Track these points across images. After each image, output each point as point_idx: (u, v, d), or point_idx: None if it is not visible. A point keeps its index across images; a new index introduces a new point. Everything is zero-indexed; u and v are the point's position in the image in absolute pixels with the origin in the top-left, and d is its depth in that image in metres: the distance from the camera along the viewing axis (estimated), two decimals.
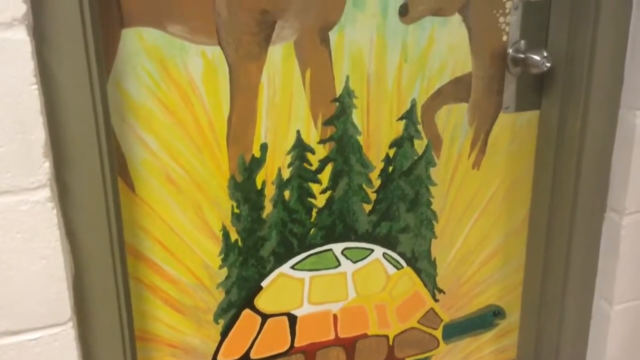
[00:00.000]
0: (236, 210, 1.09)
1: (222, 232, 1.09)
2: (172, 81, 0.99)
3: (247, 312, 1.15)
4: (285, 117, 1.07)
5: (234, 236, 1.10)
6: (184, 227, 1.06)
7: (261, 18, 1.01)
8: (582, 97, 1.13)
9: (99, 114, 0.86)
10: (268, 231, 1.12)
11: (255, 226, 1.11)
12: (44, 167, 0.80)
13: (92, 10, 0.82)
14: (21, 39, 0.75)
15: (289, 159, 1.10)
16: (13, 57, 0.75)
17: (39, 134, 0.79)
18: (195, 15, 0.97)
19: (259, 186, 1.09)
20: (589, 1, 1.09)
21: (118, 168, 0.98)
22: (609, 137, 1.16)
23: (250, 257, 1.12)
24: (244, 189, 1.08)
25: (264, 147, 1.07)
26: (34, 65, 0.77)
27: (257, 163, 1.08)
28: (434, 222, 1.23)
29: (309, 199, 1.13)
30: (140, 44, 0.95)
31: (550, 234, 1.24)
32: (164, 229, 1.05)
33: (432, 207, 1.22)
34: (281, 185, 1.11)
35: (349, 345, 1.24)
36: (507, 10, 1.15)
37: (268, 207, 1.11)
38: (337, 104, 1.10)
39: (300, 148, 1.10)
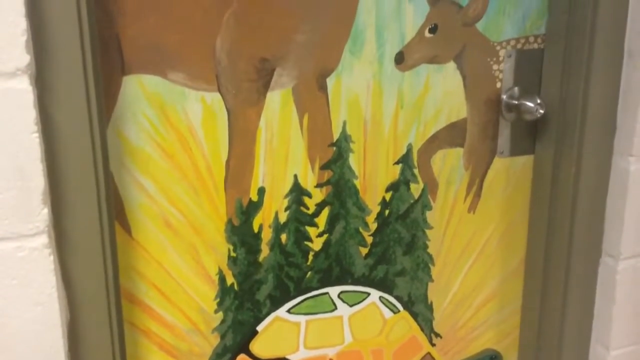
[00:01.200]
0: (233, 254, 1.09)
1: (218, 276, 1.09)
2: (172, 126, 1.00)
3: (242, 357, 1.14)
4: (283, 161, 1.09)
5: (230, 280, 1.10)
6: (180, 270, 1.06)
7: (260, 66, 1.03)
8: (575, 143, 1.15)
9: (99, 160, 0.87)
10: (264, 274, 1.12)
11: (251, 269, 1.11)
12: (42, 214, 0.81)
13: (94, 59, 0.83)
14: (24, 88, 0.76)
15: (286, 202, 1.10)
16: (15, 106, 0.76)
17: (38, 181, 0.80)
18: (196, 62, 0.99)
19: (255, 229, 1.09)
20: (581, 50, 1.12)
21: (115, 212, 0.98)
22: (603, 183, 1.17)
23: (246, 301, 1.12)
24: (241, 232, 1.09)
25: (261, 191, 1.08)
26: (35, 114, 0.78)
27: (254, 207, 1.08)
28: (430, 265, 1.23)
29: (306, 243, 1.14)
30: (141, 90, 0.97)
31: (547, 278, 1.24)
32: (159, 273, 1.05)
33: (429, 250, 1.22)
34: (278, 228, 1.11)
35: None
36: (501, 58, 1.17)
37: (265, 251, 1.11)
38: (334, 148, 1.11)
39: (297, 192, 1.11)
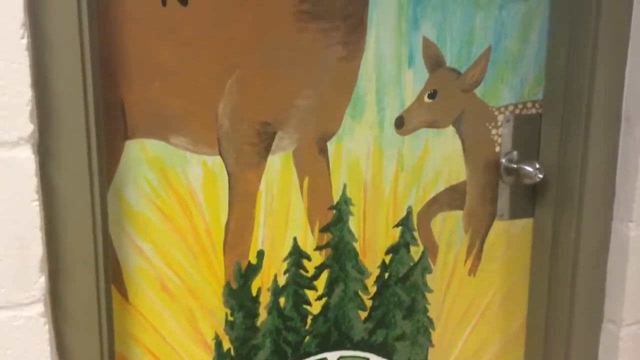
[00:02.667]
0: (230, 318, 1.07)
1: (214, 341, 1.07)
2: (172, 190, 1.00)
3: None
4: (283, 224, 1.08)
5: (226, 345, 1.08)
6: (175, 335, 1.04)
7: (262, 129, 1.04)
8: (575, 208, 1.15)
9: (98, 226, 0.86)
10: (262, 339, 1.10)
11: (249, 334, 1.09)
12: (39, 282, 0.80)
13: (97, 126, 0.84)
14: (26, 157, 0.76)
15: (285, 265, 1.09)
16: (17, 175, 0.76)
17: (36, 249, 0.79)
18: (198, 127, 1.00)
19: (254, 293, 1.08)
20: (579, 116, 1.13)
21: (112, 276, 0.97)
22: (603, 248, 1.17)
23: None
24: (239, 296, 1.07)
25: (260, 254, 1.07)
26: (36, 182, 0.78)
27: (253, 270, 1.07)
28: (430, 329, 1.21)
29: (304, 306, 1.12)
30: (143, 154, 0.97)
31: (548, 343, 1.23)
32: (155, 338, 1.03)
33: (429, 314, 1.21)
34: (277, 292, 1.10)
35: None
36: (499, 123, 1.19)
37: (263, 315, 1.09)
38: (334, 211, 1.11)
39: (297, 255, 1.10)
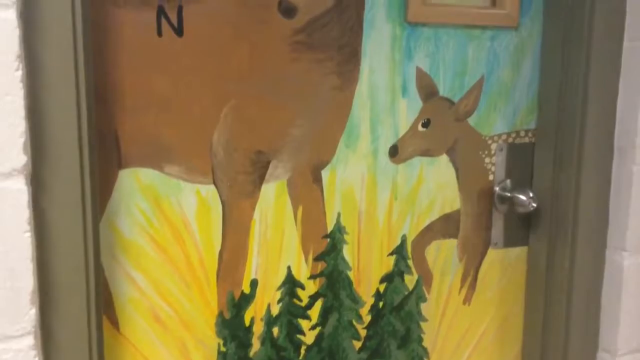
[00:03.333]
0: (222, 349, 1.06)
1: None
2: (165, 219, 0.99)
3: None
4: (277, 253, 1.08)
5: None
6: None
7: (256, 158, 1.04)
8: (569, 237, 1.15)
9: (90, 257, 0.85)
10: None
11: None
12: (30, 314, 0.79)
13: (91, 157, 0.84)
14: (19, 188, 0.76)
15: (278, 295, 1.09)
16: (9, 206, 0.76)
17: (27, 281, 0.78)
18: (192, 155, 1.00)
19: (247, 323, 1.07)
20: (571, 145, 1.14)
21: (104, 306, 0.96)
22: (598, 277, 1.17)
23: None
24: (232, 326, 1.06)
25: (254, 283, 1.07)
26: (29, 214, 0.77)
27: (246, 299, 1.06)
28: (425, 359, 1.20)
29: (298, 336, 1.11)
30: (137, 183, 0.97)
31: None
32: None
33: (423, 343, 1.20)
34: (270, 321, 1.09)
35: None
36: (493, 152, 1.19)
37: (256, 345, 1.08)
38: (328, 239, 1.11)
39: (291, 284, 1.09)
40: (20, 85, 0.74)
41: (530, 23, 1.18)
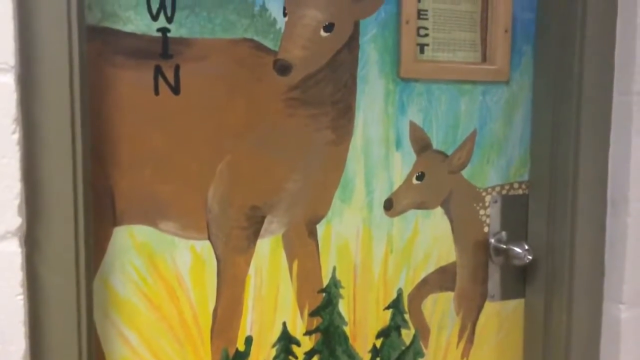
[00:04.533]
0: None
1: None
2: (159, 276, 0.98)
3: None
4: (272, 309, 1.06)
5: None
6: None
7: (251, 213, 1.04)
8: (565, 289, 1.15)
9: (82, 316, 0.84)
10: None
11: None
12: None
13: (86, 216, 0.84)
14: (12, 250, 0.76)
15: (273, 352, 1.07)
16: (2, 269, 0.75)
17: (18, 345, 0.77)
18: (187, 211, 1.00)
19: None
20: (565, 197, 1.15)
21: None
22: (595, 330, 1.16)
23: None
24: None
25: (248, 340, 1.05)
26: (22, 276, 0.76)
27: (240, 357, 1.05)
28: None
29: None
30: (131, 240, 0.96)
31: None
32: None
33: None
34: None
35: None
36: (487, 204, 1.20)
37: None
38: (324, 294, 1.10)
39: (286, 340, 1.08)
40: (17, 147, 0.75)
41: (520, 77, 1.20)
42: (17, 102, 0.75)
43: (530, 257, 1.15)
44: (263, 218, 1.05)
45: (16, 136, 0.75)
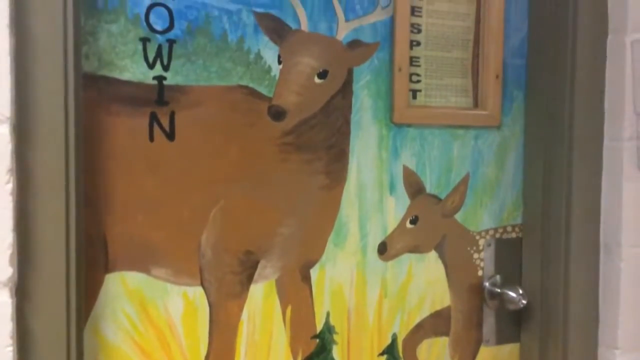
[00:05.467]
0: None
1: None
2: (151, 323, 0.97)
3: None
4: (265, 355, 1.05)
5: None
6: None
7: (245, 258, 1.04)
8: (560, 334, 1.14)
9: None
10: None
11: None
12: None
13: (78, 265, 0.83)
14: (3, 301, 0.75)
15: None
16: None
17: None
18: (180, 257, 0.99)
19: None
20: (558, 241, 1.15)
21: None
22: None
23: None
24: None
25: None
26: (12, 327, 0.76)
27: None
28: None
29: None
30: (123, 287, 0.95)
31: None
32: None
33: None
34: None
35: None
36: (481, 247, 1.20)
37: None
38: (318, 340, 1.09)
39: None
40: (10, 198, 0.75)
41: (512, 122, 1.21)
42: (11, 153, 0.75)
43: (524, 302, 1.15)
44: (257, 263, 1.04)
45: (10, 186, 0.75)
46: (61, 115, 0.80)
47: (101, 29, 0.92)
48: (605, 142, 1.14)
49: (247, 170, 1.02)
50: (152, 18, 0.95)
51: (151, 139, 0.96)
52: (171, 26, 0.96)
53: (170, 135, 0.97)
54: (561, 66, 1.15)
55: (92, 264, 0.93)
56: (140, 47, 0.94)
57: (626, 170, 1.11)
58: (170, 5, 0.96)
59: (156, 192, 0.97)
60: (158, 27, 0.95)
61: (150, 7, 0.95)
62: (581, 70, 1.14)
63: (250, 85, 1.02)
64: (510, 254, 1.22)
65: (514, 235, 1.22)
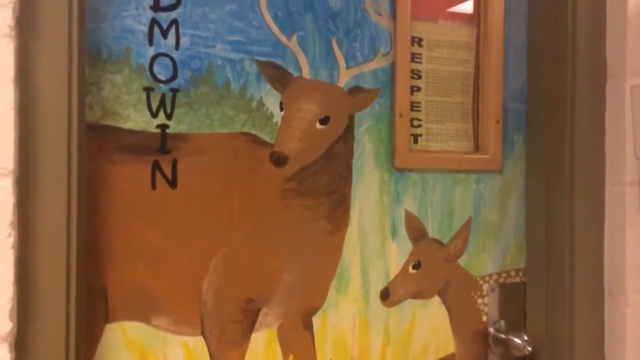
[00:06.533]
0: None
1: None
2: None
3: None
4: None
5: None
6: None
7: (246, 306, 1.02)
8: None
9: None
10: None
11: None
12: None
13: (77, 318, 0.82)
14: (2, 356, 0.74)
15: None
16: None
17: None
18: (181, 306, 0.98)
19: None
20: (562, 285, 1.14)
21: None
22: None
23: None
24: None
25: None
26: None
27: None
28: None
29: None
30: (123, 338, 0.94)
31: None
32: None
33: None
34: None
35: None
36: (485, 292, 1.19)
37: None
38: None
39: None
40: (11, 252, 0.74)
41: (513, 166, 1.22)
42: (14, 206, 0.75)
43: (530, 349, 1.13)
44: (258, 310, 1.03)
45: (11, 240, 0.74)
46: (64, 167, 0.80)
47: (105, 79, 0.93)
48: (607, 187, 1.14)
49: (249, 217, 1.02)
50: (156, 68, 0.96)
51: (153, 186, 0.96)
52: (175, 75, 0.97)
53: (173, 183, 0.97)
54: (561, 111, 1.16)
55: (92, 314, 0.92)
56: (144, 96, 0.95)
57: (629, 214, 1.11)
58: (174, 56, 0.97)
59: (157, 240, 0.96)
60: (162, 77, 0.96)
61: (154, 58, 0.96)
62: (581, 114, 1.14)
63: (253, 132, 1.02)
64: (514, 299, 1.20)
65: (517, 279, 1.21)
